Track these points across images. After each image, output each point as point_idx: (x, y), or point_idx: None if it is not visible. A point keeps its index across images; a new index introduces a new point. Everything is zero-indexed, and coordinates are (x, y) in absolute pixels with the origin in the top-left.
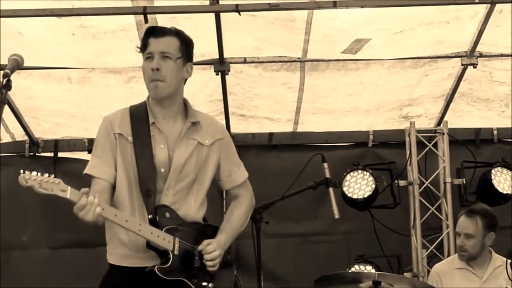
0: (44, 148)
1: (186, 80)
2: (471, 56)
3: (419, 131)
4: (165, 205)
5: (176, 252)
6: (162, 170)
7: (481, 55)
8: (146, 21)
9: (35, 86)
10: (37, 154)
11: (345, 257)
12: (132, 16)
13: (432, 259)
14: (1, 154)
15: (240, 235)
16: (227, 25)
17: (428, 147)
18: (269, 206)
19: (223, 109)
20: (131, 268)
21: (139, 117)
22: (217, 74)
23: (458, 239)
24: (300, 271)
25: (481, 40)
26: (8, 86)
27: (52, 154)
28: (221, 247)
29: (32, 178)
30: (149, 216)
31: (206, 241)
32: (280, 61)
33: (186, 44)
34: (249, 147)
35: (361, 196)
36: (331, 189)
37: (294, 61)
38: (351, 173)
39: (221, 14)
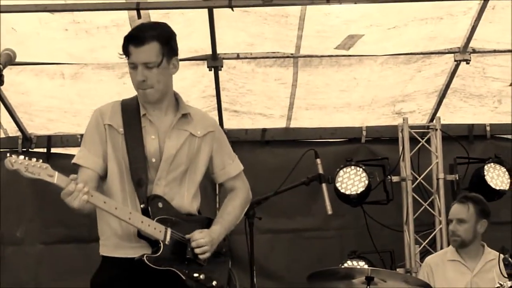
0: (37, 144)
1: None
2: (464, 52)
3: (412, 127)
4: (158, 195)
5: (167, 242)
6: (153, 160)
7: (474, 51)
8: (139, 16)
9: (27, 81)
10: (30, 149)
11: (338, 253)
12: (126, 11)
13: (425, 255)
14: None
15: (232, 231)
16: (220, 20)
17: (421, 143)
18: (262, 202)
19: (216, 105)
20: (123, 259)
21: (130, 109)
22: (210, 70)
23: (451, 225)
24: (293, 267)
25: (474, 36)
26: (0, 81)
27: (45, 150)
28: (212, 237)
29: (18, 162)
30: (141, 206)
31: (197, 230)
32: (273, 57)
33: (167, 43)
34: (242, 143)
35: (354, 192)
36: (324, 185)
37: (287, 57)
38: (344, 169)
39: (214, 10)
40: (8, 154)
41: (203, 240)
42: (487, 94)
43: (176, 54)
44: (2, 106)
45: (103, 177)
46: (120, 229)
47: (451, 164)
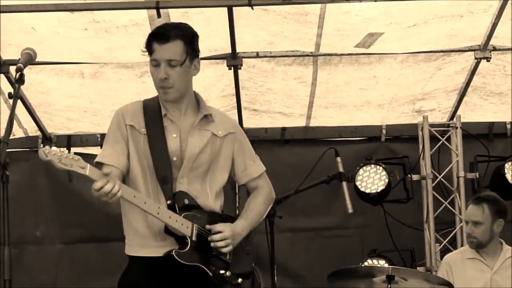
0: (57, 143)
1: (195, 75)
2: (484, 50)
3: (432, 125)
4: (184, 191)
5: (194, 238)
6: (174, 159)
7: (494, 49)
8: (159, 15)
9: (47, 81)
10: None
11: (358, 252)
12: (145, 10)
13: (445, 253)
14: (14, 149)
15: (253, 230)
16: (240, 19)
17: (441, 141)
18: (282, 201)
19: (235, 104)
20: (148, 258)
21: (151, 109)
22: (229, 69)
23: (466, 227)
24: (313, 266)
25: (494, 34)
26: (21, 80)
27: (65, 150)
28: (234, 231)
29: (52, 153)
30: (168, 202)
31: (220, 223)
32: (293, 56)
33: (191, 43)
34: (262, 142)
35: (374, 191)
36: (344, 184)
37: (307, 55)
38: (364, 168)
39: (234, 9)
40: (41, 145)
41: (225, 233)
42: (507, 92)
43: (198, 56)
44: (22, 106)
45: (125, 175)
46: (144, 228)
47: (471, 162)
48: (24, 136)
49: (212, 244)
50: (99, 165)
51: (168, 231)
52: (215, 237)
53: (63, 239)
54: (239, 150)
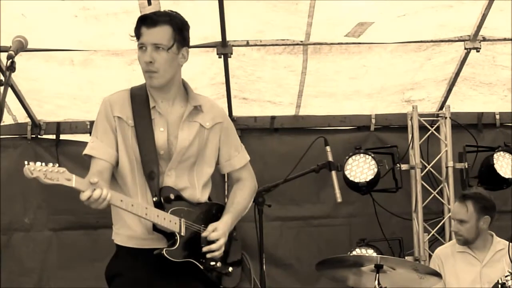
0: (46, 131)
1: (182, 64)
2: (474, 40)
3: (421, 115)
4: (169, 186)
5: (182, 234)
6: (162, 152)
7: (484, 39)
8: (149, 3)
9: (37, 68)
10: (39, 136)
11: (347, 241)
12: None
13: (434, 243)
14: (3, 136)
15: (242, 218)
16: (230, 8)
17: (430, 131)
18: (271, 189)
19: (225, 92)
20: (138, 249)
21: (139, 100)
22: (219, 57)
23: (453, 225)
24: (302, 254)
25: (484, 24)
26: (12, 67)
27: (54, 137)
28: (225, 232)
29: (37, 169)
30: (154, 199)
31: (211, 227)
32: (283, 44)
33: (179, 30)
34: (251, 130)
35: (363, 180)
36: (333, 173)
37: (297, 44)
38: (353, 157)
39: None
40: (26, 162)
41: (220, 242)
42: (497, 82)
43: (187, 45)
44: (12, 93)
45: (115, 167)
46: (133, 221)
47: (460, 152)
48: (13, 123)
49: (208, 255)
50: (88, 158)
51: (156, 229)
52: (213, 246)
53: (51, 226)
54: (225, 140)
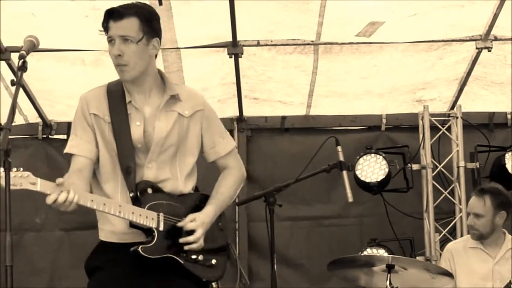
0: (57, 131)
1: (156, 55)
2: (485, 40)
3: (432, 115)
4: (147, 180)
5: (161, 229)
6: (139, 146)
7: (495, 39)
8: (160, 3)
9: (48, 68)
10: (50, 136)
11: (358, 241)
12: None
13: (445, 243)
14: (14, 136)
15: (252, 218)
16: (241, 7)
17: (441, 131)
18: (282, 189)
19: (236, 92)
20: (119, 244)
21: (116, 96)
22: (230, 57)
23: (469, 219)
24: (313, 254)
25: (496, 24)
26: (24, 67)
27: (65, 137)
28: (204, 224)
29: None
30: (130, 194)
31: (189, 217)
32: (294, 44)
33: (148, 21)
34: (262, 130)
35: (374, 180)
36: (344, 173)
37: (308, 44)
38: (364, 157)
39: None
40: None
41: (197, 234)
42: (508, 82)
43: (158, 36)
44: (23, 93)
45: (96, 163)
46: (116, 218)
47: (471, 152)
48: (24, 123)
49: (186, 247)
50: (69, 156)
51: (133, 225)
52: (190, 238)
53: (62, 226)
54: (207, 127)
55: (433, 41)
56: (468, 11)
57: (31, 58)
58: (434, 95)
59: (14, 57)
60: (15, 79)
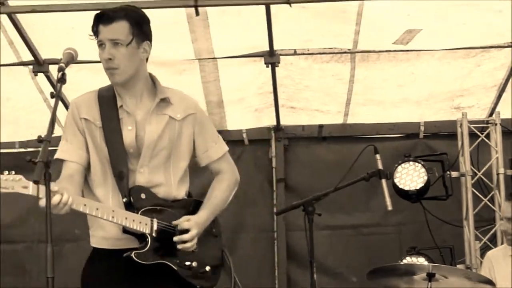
0: None
1: (147, 58)
2: None
3: (471, 122)
4: (140, 186)
5: (154, 234)
6: (131, 150)
7: None
8: (197, 14)
9: (87, 80)
10: None
11: (397, 249)
12: (183, 9)
13: (485, 251)
14: (54, 148)
15: (291, 227)
16: (277, 17)
17: (480, 138)
18: (321, 198)
19: (273, 101)
20: (112, 250)
21: (107, 101)
22: (267, 66)
23: (502, 224)
24: (352, 263)
25: None
26: (63, 79)
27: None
28: (199, 225)
29: None
30: (124, 200)
31: (184, 217)
32: (330, 53)
33: (137, 24)
34: (299, 139)
35: (413, 188)
36: (383, 181)
37: (345, 52)
38: (403, 165)
39: (271, 6)
40: None
41: (192, 233)
42: None
43: (148, 39)
44: (61, 105)
45: (87, 169)
46: (108, 224)
47: (511, 159)
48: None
49: (179, 246)
50: (60, 162)
51: (126, 231)
52: (184, 237)
53: None
54: (199, 131)
55: (470, 48)
56: (506, 17)
57: (69, 70)
58: (472, 102)
59: (52, 69)
60: (54, 92)
